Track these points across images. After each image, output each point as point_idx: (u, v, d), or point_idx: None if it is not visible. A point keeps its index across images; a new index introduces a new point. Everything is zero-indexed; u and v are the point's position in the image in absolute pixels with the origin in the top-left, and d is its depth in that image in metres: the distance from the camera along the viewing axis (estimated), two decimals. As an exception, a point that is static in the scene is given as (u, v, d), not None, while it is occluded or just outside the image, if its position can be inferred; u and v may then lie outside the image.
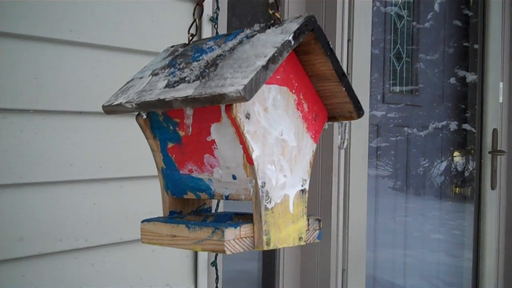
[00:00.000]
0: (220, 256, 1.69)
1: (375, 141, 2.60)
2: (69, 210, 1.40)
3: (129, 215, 1.50)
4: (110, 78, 1.41)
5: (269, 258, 2.22)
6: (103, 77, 1.42)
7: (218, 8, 1.47)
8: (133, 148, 1.48)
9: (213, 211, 0.97)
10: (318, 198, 2.12)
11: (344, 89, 0.77)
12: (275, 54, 0.68)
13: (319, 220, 0.83)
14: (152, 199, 1.38)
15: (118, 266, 1.50)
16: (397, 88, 2.73)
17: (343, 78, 0.76)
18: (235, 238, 0.73)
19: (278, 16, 0.74)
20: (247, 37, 0.75)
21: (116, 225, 1.48)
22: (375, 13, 2.55)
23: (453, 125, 2.91)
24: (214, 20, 1.49)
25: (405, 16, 2.69)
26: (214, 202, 1.57)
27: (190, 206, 0.89)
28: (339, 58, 2.00)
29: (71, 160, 1.40)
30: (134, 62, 1.43)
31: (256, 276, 2.27)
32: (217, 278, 1.63)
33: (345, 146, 0.78)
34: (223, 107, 0.72)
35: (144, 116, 0.80)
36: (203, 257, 1.66)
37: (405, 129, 2.75)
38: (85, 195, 1.43)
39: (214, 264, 1.64)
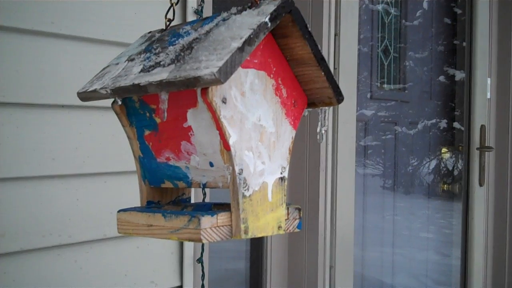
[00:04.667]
0: (206, 252, 1.68)
1: (363, 140, 2.58)
2: (52, 206, 1.38)
3: (113, 211, 1.46)
4: (92, 71, 1.38)
5: (257, 257, 2.20)
6: (85, 70, 1.40)
7: (203, 0, 1.45)
8: (117, 142, 1.46)
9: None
10: (305, 194, 2.11)
11: (323, 73, 0.75)
12: (251, 36, 0.66)
13: (299, 209, 0.81)
14: (136, 194, 1.36)
15: (102, 262, 1.48)
16: (385, 86, 2.72)
17: (322, 62, 0.75)
18: (211, 226, 0.71)
19: (256, -1, 0.73)
20: (224, 19, 0.73)
21: (99, 221, 1.46)
22: (363, 10, 2.54)
23: (443, 123, 2.90)
24: (199, 12, 1.47)
25: (392, 12, 2.69)
26: (199, 192, 1.55)
27: (168, 196, 0.87)
28: (326, 53, 2.00)
29: (53, 154, 1.38)
30: (117, 54, 1.41)
31: (244, 275, 2.25)
32: (203, 275, 1.61)
33: (323, 138, 0.76)
34: (199, 91, 0.70)
35: (120, 103, 0.78)
36: (189, 254, 1.64)
37: (395, 126, 2.74)
38: (68, 190, 1.41)
39: (200, 260, 1.62)
